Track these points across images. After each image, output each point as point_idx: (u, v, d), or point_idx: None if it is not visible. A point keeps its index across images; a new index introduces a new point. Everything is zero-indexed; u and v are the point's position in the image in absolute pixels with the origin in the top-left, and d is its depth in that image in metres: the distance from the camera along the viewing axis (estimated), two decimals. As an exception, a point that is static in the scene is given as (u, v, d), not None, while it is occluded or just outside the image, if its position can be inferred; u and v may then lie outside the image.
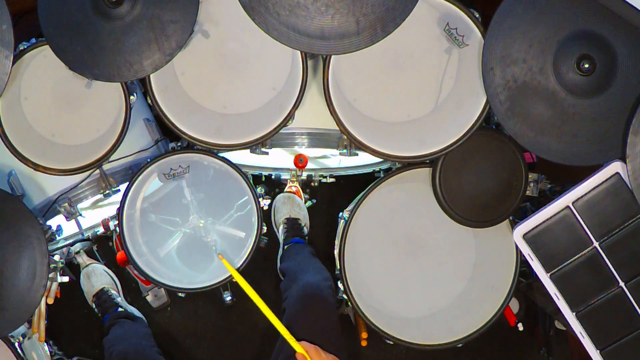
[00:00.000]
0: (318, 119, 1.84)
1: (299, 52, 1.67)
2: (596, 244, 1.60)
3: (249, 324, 2.45)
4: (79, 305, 2.33)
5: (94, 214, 2.04)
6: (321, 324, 1.79)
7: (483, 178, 1.76)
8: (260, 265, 2.38)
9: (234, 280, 1.87)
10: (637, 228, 1.58)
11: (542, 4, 1.54)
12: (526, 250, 1.64)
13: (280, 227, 2.35)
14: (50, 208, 1.85)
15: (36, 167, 1.71)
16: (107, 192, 1.85)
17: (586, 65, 1.53)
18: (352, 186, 2.20)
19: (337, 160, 2.16)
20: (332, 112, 1.69)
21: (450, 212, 1.78)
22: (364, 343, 2.19)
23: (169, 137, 1.98)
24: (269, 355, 1.82)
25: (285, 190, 2.37)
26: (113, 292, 2.29)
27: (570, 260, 1.61)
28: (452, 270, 1.87)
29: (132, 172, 1.87)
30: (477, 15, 1.64)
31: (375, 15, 1.52)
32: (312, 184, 2.23)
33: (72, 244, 2.05)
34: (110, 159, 1.79)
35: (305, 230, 2.38)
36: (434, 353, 1.91)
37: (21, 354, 1.76)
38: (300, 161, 1.99)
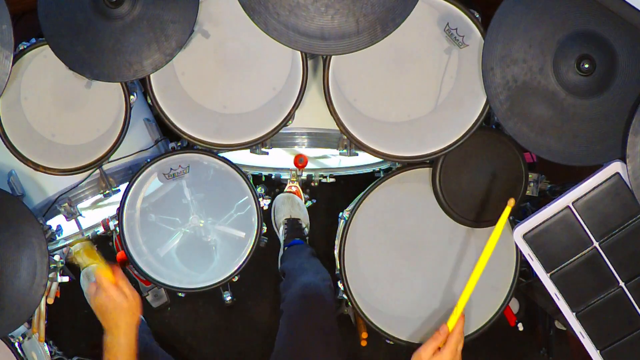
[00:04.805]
0: (318, 119, 1.84)
1: (299, 52, 1.67)
2: (596, 244, 1.60)
3: (249, 324, 2.45)
4: (79, 305, 2.33)
5: (94, 214, 2.04)
6: (320, 324, 1.79)
7: (483, 178, 1.76)
8: (260, 265, 2.38)
9: (234, 280, 1.87)
10: (637, 228, 1.58)
11: (542, 4, 1.54)
12: (526, 250, 1.64)
13: (281, 228, 2.35)
14: (50, 208, 1.85)
15: (36, 167, 1.71)
16: (107, 192, 1.85)
17: (586, 65, 1.52)
18: (352, 186, 2.20)
19: (337, 160, 2.16)
20: (332, 112, 1.69)
21: (450, 212, 1.78)
22: (364, 343, 2.19)
23: (169, 137, 1.98)
24: (269, 355, 1.82)
25: (285, 190, 2.37)
26: (113, 292, 2.29)
27: (570, 260, 1.61)
28: (452, 270, 1.87)
29: (132, 172, 1.87)
30: (477, 16, 1.64)
31: (375, 16, 1.51)
32: (312, 184, 2.23)
33: (72, 244, 2.05)
34: (110, 159, 1.79)
35: (306, 230, 2.38)
36: (434, 353, 1.91)
37: (21, 354, 1.76)
38: (300, 161, 1.98)
